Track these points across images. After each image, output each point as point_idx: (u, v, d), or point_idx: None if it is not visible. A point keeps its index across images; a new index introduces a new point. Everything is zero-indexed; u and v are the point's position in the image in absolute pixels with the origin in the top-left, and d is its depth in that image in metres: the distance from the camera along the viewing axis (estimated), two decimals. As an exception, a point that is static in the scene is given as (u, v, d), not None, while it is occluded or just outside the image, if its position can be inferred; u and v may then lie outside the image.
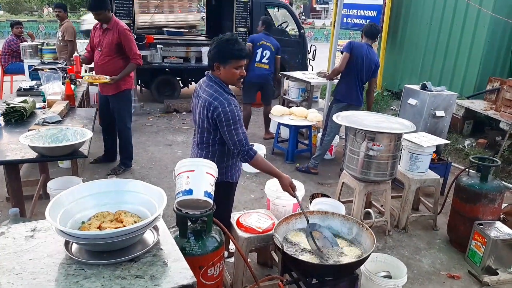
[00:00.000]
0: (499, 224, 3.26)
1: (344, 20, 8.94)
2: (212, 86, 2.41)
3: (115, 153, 4.97)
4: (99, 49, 4.35)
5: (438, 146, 4.40)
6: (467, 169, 3.58)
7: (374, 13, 8.72)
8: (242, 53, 2.35)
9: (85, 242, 1.45)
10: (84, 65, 4.44)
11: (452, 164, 4.98)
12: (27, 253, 1.48)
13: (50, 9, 25.01)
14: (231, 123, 2.34)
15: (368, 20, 8.45)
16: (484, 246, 3.15)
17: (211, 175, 2.14)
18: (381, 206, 4.02)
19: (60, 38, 6.75)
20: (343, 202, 3.54)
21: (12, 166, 2.78)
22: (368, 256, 2.21)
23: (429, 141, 3.84)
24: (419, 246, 3.59)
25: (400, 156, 3.65)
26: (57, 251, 1.49)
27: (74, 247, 1.52)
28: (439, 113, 4.90)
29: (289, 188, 2.46)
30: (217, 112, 2.33)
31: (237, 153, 2.41)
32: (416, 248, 3.56)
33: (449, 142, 5.04)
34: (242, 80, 2.48)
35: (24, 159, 2.69)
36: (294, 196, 2.48)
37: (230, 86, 2.49)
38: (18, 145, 2.75)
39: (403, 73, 8.24)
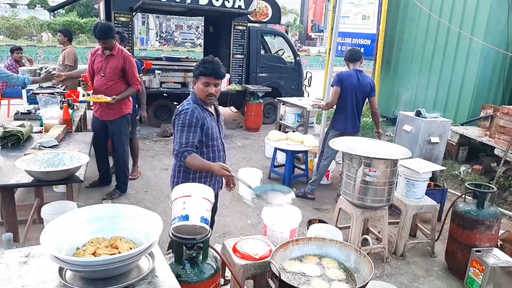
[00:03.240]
0: (496, 251, 3.24)
1: (339, 48, 9.13)
2: (187, 99, 2.64)
3: (110, 177, 4.97)
4: (102, 74, 4.43)
5: (434, 173, 4.42)
6: (463, 196, 3.59)
7: (368, 42, 8.92)
8: (206, 70, 2.50)
9: (80, 269, 1.42)
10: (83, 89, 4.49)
11: (448, 190, 4.99)
12: (20, 279, 1.45)
13: (50, 34, 25.37)
14: (179, 123, 2.51)
15: (362, 48, 8.64)
16: (482, 274, 3.12)
17: (208, 200, 2.13)
18: (379, 232, 3.99)
19: (61, 63, 6.83)
20: (340, 228, 3.52)
21: (7, 190, 2.76)
22: (367, 283, 2.18)
23: (425, 167, 3.85)
24: (417, 273, 3.55)
25: (397, 182, 3.66)
26: (51, 277, 1.46)
27: (68, 273, 1.49)
28: (434, 139, 4.94)
29: (223, 171, 2.48)
30: (174, 114, 2.56)
31: (175, 154, 2.52)
32: (414, 275, 3.52)
33: (444, 168, 5.07)
34: (212, 99, 2.59)
35: (20, 184, 2.67)
36: (232, 175, 2.48)
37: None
38: (14, 169, 2.73)
39: (398, 100, 8.35)
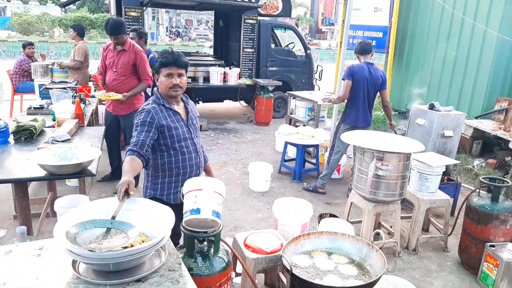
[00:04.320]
0: (511, 246, 3.19)
1: (350, 41, 9.03)
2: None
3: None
4: (114, 69, 4.47)
5: (447, 167, 4.36)
6: (477, 190, 3.53)
7: (380, 34, 8.80)
8: (166, 60, 2.32)
9: (93, 262, 1.43)
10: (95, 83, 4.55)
11: (462, 184, 4.92)
12: (34, 272, 1.46)
13: (61, 30, 25.58)
14: (134, 124, 2.36)
15: (374, 41, 8.54)
16: (496, 269, 3.08)
17: (220, 194, 2.13)
18: (391, 227, 3.95)
19: (72, 58, 6.88)
20: (351, 223, 3.49)
21: (20, 184, 2.79)
22: (379, 278, 2.16)
23: (439, 161, 3.80)
24: (430, 268, 3.52)
25: (409, 176, 3.61)
26: (64, 270, 1.48)
27: (81, 266, 1.51)
28: (448, 133, 4.87)
29: (119, 188, 1.85)
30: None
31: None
32: (427, 270, 3.48)
33: (458, 162, 4.99)
34: (177, 90, 2.38)
35: (33, 177, 2.70)
36: (119, 197, 1.81)
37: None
38: (27, 163, 2.76)
39: (410, 93, 8.24)
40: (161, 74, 2.36)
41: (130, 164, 2.18)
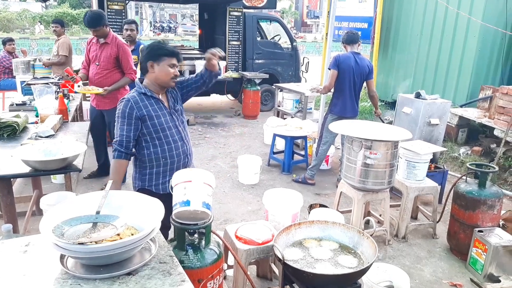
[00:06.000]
0: (499, 231, 3.24)
1: (336, 32, 9.03)
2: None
3: (109, 167, 4.92)
4: (97, 63, 4.38)
5: (434, 154, 4.41)
6: (464, 176, 3.57)
7: (365, 25, 8.84)
8: (170, 50, 2.38)
9: (81, 256, 1.40)
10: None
11: (448, 172, 4.98)
12: (21, 268, 1.42)
13: (42, 27, 25.06)
14: (116, 114, 2.38)
15: (360, 32, 8.56)
16: (485, 254, 3.12)
17: (209, 185, 2.10)
18: (380, 215, 3.98)
19: (55, 53, 6.73)
20: (341, 213, 3.50)
21: (4, 181, 2.72)
22: (371, 265, 2.17)
23: (426, 148, 3.84)
24: (419, 255, 3.55)
25: (397, 164, 3.63)
26: (52, 266, 1.44)
27: (70, 261, 1.47)
28: (434, 121, 4.91)
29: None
30: None
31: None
32: (417, 257, 3.52)
33: (445, 149, 5.05)
34: (176, 81, 2.45)
35: (17, 174, 2.64)
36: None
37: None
38: (10, 160, 2.69)
39: (396, 83, 8.30)
40: (163, 62, 2.36)
41: (117, 171, 2.34)
